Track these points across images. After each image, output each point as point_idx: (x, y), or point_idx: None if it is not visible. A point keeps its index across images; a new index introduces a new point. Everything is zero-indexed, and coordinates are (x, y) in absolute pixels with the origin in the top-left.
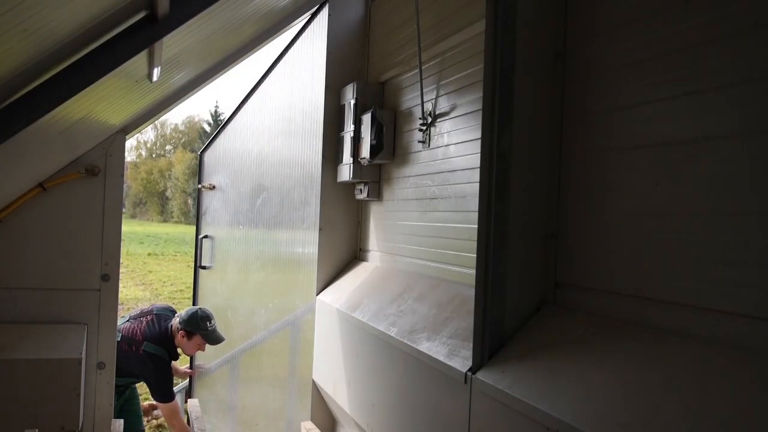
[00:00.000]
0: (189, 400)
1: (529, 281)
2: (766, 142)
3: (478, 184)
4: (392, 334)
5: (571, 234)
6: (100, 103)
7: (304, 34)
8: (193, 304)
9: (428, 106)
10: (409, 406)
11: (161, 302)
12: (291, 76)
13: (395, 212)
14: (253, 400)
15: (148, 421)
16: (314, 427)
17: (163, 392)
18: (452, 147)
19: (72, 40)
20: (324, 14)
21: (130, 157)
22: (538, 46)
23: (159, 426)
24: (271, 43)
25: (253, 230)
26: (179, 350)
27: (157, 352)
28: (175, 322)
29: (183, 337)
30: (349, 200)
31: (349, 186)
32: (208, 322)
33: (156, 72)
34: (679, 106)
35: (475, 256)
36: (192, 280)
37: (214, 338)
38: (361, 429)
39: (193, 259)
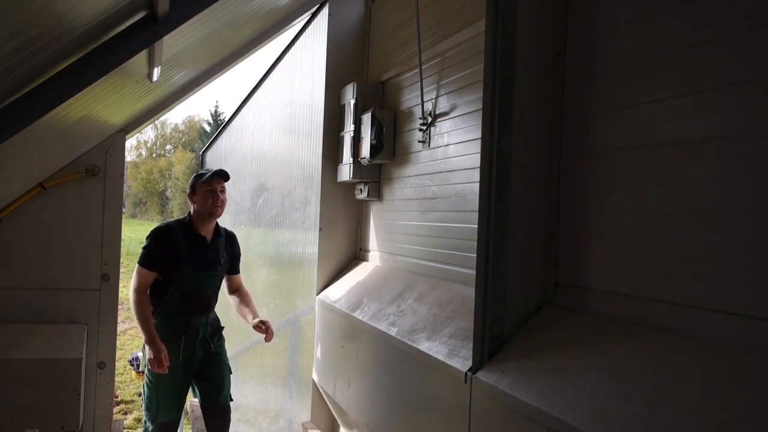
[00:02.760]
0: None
1: (529, 281)
2: (767, 142)
3: (478, 184)
4: (392, 334)
5: (571, 234)
6: (100, 103)
7: (304, 34)
8: None
9: (428, 106)
10: (409, 406)
11: None
12: (291, 76)
13: (395, 212)
14: (255, 400)
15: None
16: (314, 427)
17: (140, 256)
18: (452, 147)
19: (72, 40)
20: (324, 14)
21: (130, 157)
22: (538, 46)
23: None
24: (271, 43)
25: (254, 230)
26: (199, 219)
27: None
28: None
29: (190, 197)
30: (349, 200)
31: (349, 186)
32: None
33: (156, 72)
34: (679, 106)
35: (475, 256)
36: None
37: (206, 172)
38: (361, 429)
39: None
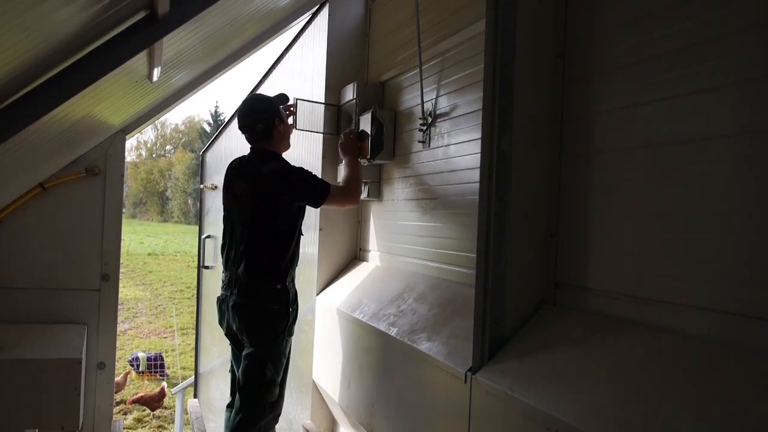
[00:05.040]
0: (189, 400)
1: (529, 281)
2: (766, 142)
3: (478, 184)
4: (392, 334)
5: (571, 234)
6: (100, 103)
7: (304, 35)
8: (197, 304)
9: (428, 106)
10: (408, 406)
11: None
12: (291, 76)
13: (395, 212)
14: None
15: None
16: (314, 427)
17: (318, 191)
18: (452, 147)
19: (72, 40)
20: (324, 14)
21: (130, 157)
22: (538, 46)
23: (159, 427)
24: (271, 43)
25: None
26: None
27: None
28: (257, 130)
29: (276, 124)
30: None
31: None
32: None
33: (156, 72)
34: (679, 106)
35: (475, 256)
36: (191, 280)
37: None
38: (361, 429)
39: (196, 259)
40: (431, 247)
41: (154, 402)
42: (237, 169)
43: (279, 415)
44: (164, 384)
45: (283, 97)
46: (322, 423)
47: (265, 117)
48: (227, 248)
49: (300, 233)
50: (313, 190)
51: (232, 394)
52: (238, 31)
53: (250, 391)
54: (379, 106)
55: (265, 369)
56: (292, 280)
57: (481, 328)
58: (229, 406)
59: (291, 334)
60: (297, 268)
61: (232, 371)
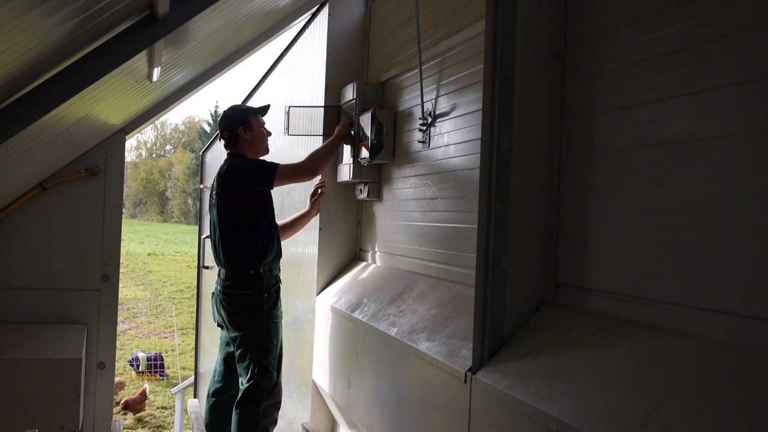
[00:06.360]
0: (189, 400)
1: (529, 281)
2: (766, 142)
3: (478, 184)
4: (392, 334)
5: (571, 234)
6: (100, 103)
7: (304, 34)
8: (197, 304)
9: (428, 106)
10: (408, 407)
11: None
12: (291, 76)
13: (395, 212)
14: None
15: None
16: (314, 426)
17: (265, 171)
18: (452, 147)
19: (72, 41)
20: (324, 14)
21: (130, 157)
22: (538, 46)
23: (159, 426)
24: (271, 43)
25: None
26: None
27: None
28: (224, 137)
29: (241, 131)
30: (349, 200)
31: (349, 186)
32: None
33: (156, 72)
34: (679, 106)
35: (475, 256)
36: (191, 280)
37: (248, 107)
38: (361, 429)
39: (196, 259)
40: (431, 247)
41: (137, 405)
42: (217, 174)
43: (279, 402)
44: (146, 386)
45: (264, 108)
46: (322, 423)
47: (229, 126)
48: (211, 244)
49: (273, 224)
50: (260, 171)
51: (213, 382)
52: (238, 31)
53: (245, 377)
54: (379, 106)
55: (248, 354)
56: (269, 268)
57: (481, 328)
58: (212, 394)
59: (272, 318)
60: (299, 267)
61: (216, 362)
